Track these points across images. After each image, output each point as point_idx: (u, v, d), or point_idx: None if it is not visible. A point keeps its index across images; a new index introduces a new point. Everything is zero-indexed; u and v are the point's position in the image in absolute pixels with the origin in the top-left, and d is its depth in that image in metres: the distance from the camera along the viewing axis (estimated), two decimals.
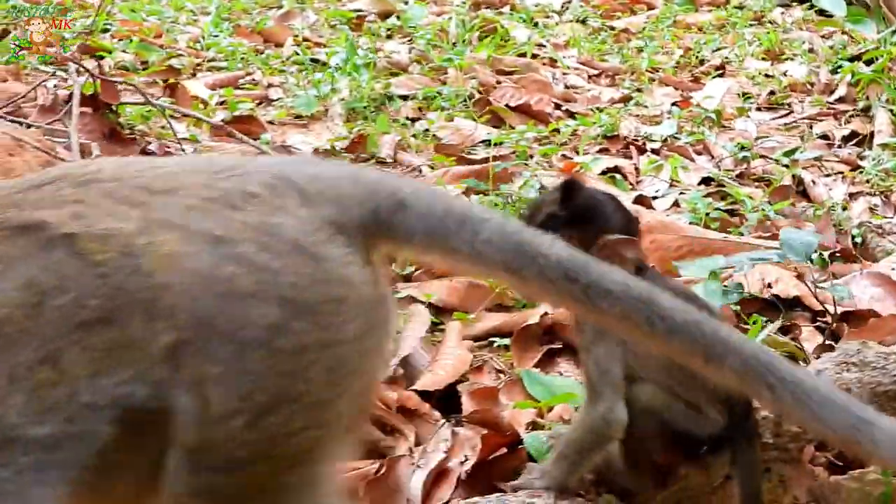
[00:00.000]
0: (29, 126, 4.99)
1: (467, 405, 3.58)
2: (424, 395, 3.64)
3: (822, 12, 9.07)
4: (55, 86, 5.92)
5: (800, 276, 4.41)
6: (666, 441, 2.87)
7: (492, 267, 2.11)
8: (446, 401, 3.65)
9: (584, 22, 8.96)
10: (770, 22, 9.02)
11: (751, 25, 8.90)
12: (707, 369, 2.08)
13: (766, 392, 2.03)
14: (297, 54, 7.49)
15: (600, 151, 6.10)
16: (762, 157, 6.12)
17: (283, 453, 1.94)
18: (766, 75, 7.65)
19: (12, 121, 4.94)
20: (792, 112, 7.05)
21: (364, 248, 2.02)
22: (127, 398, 1.86)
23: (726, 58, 8.03)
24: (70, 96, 5.64)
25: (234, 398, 1.87)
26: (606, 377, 2.80)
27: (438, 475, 3.28)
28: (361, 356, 2.03)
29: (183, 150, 5.49)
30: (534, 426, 3.44)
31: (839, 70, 7.47)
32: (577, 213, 2.86)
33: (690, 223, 4.98)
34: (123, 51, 7.15)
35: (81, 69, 5.57)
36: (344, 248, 1.97)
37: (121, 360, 1.86)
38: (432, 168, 5.65)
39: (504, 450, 3.31)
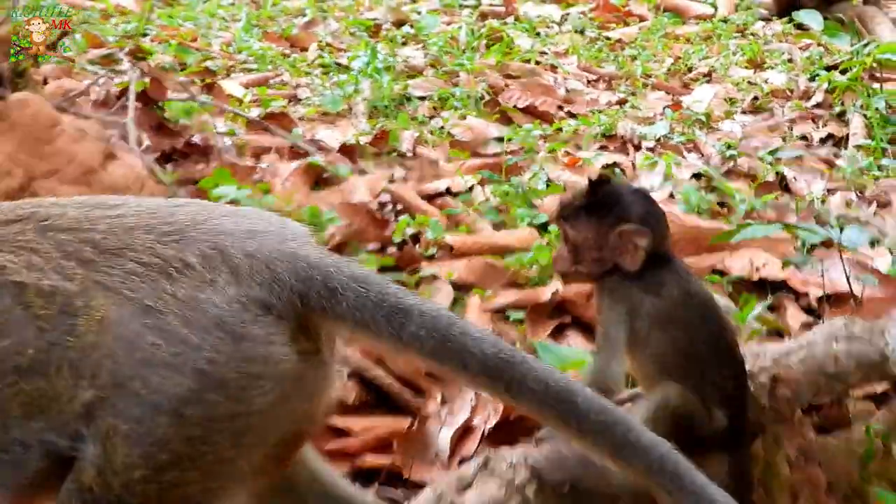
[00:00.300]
0: (87, 118, 5.02)
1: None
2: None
3: (800, 26, 9.09)
4: (104, 84, 5.97)
5: (785, 262, 4.47)
6: (679, 436, 2.91)
7: (419, 357, 2.06)
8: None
9: (581, 32, 8.99)
10: (752, 34, 9.05)
11: (735, 37, 8.94)
12: (616, 465, 2.02)
13: (665, 495, 1.99)
14: (322, 57, 7.54)
15: (600, 149, 6.15)
16: (747, 155, 6.14)
17: (174, 500, 1.93)
18: (750, 82, 7.68)
19: (74, 113, 4.97)
20: (774, 115, 7.08)
21: (295, 326, 1.98)
22: (50, 444, 1.89)
23: (713, 66, 8.06)
24: (121, 93, 5.71)
25: (136, 455, 1.86)
26: (608, 339, 2.84)
27: (464, 432, 3.34)
28: (272, 423, 2.00)
29: (223, 143, 5.55)
30: None
31: (816, 78, 7.51)
32: (597, 205, 2.89)
33: (684, 212, 5.02)
34: (163, 53, 7.20)
35: (136, 68, 5.62)
36: (268, 327, 1.94)
37: (47, 409, 1.87)
38: (448, 161, 5.69)
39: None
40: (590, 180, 2.93)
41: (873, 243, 4.77)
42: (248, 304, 1.93)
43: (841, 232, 3.99)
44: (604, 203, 2.90)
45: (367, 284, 2.01)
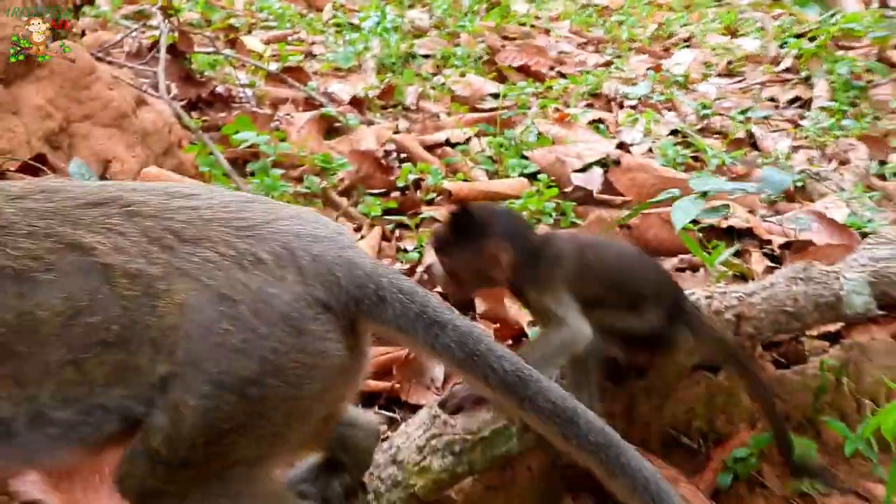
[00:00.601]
0: (120, 67, 4.99)
1: (479, 305, 3.63)
2: (444, 296, 3.69)
3: None
4: (136, 37, 5.93)
5: (751, 211, 4.46)
6: (624, 345, 2.92)
7: (447, 365, 2.12)
8: (461, 302, 3.70)
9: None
10: (729, 3, 8.99)
11: (713, 6, 8.88)
12: (605, 481, 2.03)
13: None
14: (336, 17, 7.48)
15: (587, 106, 6.12)
16: (720, 114, 6.12)
17: (229, 461, 1.98)
18: (725, 48, 7.65)
19: (109, 62, 4.94)
20: (745, 79, 7.05)
21: (346, 325, 2.00)
22: (126, 409, 1.92)
23: (692, 32, 8.02)
24: (151, 46, 5.67)
25: (201, 424, 1.90)
26: (566, 306, 2.83)
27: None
28: (319, 405, 2.05)
29: (244, 93, 5.51)
30: (533, 324, 3.49)
31: (786, 45, 7.47)
32: (461, 233, 2.81)
33: (662, 165, 5.01)
34: (191, 10, 7.14)
35: (167, 23, 5.58)
36: (325, 325, 1.96)
37: (127, 379, 1.90)
38: (449, 114, 5.66)
39: (510, 340, 3.38)
40: (450, 212, 2.86)
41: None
42: (311, 303, 1.95)
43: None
44: (466, 229, 2.85)
45: (411, 297, 2.03)
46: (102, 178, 3.93)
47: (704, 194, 3.52)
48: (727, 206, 3.72)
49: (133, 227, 1.95)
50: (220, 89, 5.44)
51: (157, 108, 4.48)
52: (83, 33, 5.62)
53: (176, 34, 5.60)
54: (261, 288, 1.91)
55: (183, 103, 5.06)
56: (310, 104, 5.53)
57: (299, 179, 4.52)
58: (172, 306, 1.88)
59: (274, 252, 1.96)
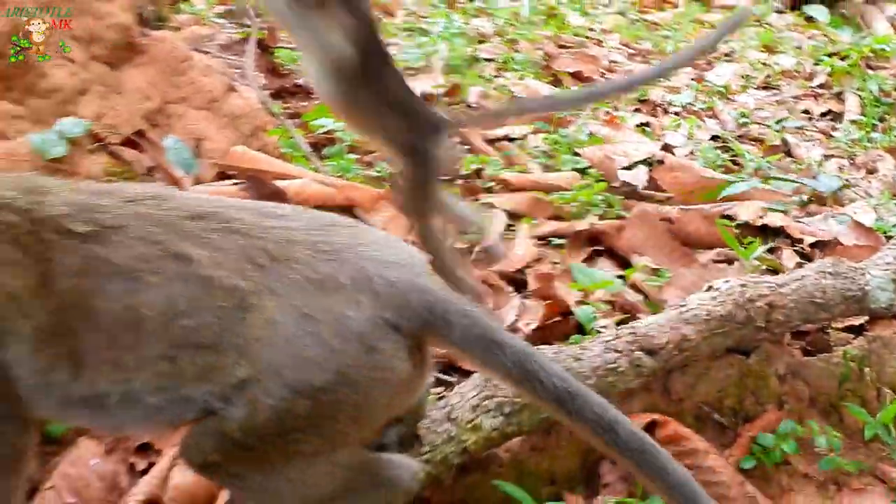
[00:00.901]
0: (213, 58, 5.01)
1: (532, 284, 3.61)
2: (501, 274, 3.68)
3: (809, 19, 8.91)
4: (227, 32, 5.96)
5: (784, 212, 4.40)
6: None
7: (502, 380, 2.21)
8: (516, 280, 3.69)
9: (623, 14, 8.83)
10: (768, 24, 8.84)
11: (753, 25, 8.74)
12: (644, 481, 2.13)
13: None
14: (408, 22, 7.46)
15: (635, 111, 6.05)
16: (757, 123, 6.04)
17: (291, 452, 2.03)
18: (763, 63, 7.51)
19: (203, 52, 4.97)
20: (781, 92, 6.93)
21: (414, 343, 2.06)
22: (207, 403, 1.99)
23: (733, 48, 7.89)
24: (240, 40, 5.69)
25: (274, 421, 1.96)
26: None
27: (510, 332, 3.32)
28: (384, 412, 2.14)
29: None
30: (580, 303, 3.47)
31: (820, 63, 7.33)
32: None
33: (703, 167, 4.95)
34: None
35: (257, 19, 5.61)
36: (395, 344, 2.01)
37: (212, 377, 1.97)
38: None
39: (559, 318, 3.36)
40: None
41: None
42: (382, 325, 2.00)
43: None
44: None
45: (474, 321, 2.08)
46: (196, 155, 3.96)
47: None
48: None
49: (230, 243, 2.01)
50: (301, 81, 5.44)
51: (245, 95, 4.50)
52: (179, 28, 5.70)
53: (265, 31, 5.61)
54: (339, 310, 1.98)
55: (269, 92, 5.08)
56: None
57: (370, 164, 4.52)
58: (261, 320, 1.95)
59: (353, 276, 2.01)
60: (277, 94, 5.19)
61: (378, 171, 4.41)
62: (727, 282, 3.11)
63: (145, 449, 2.67)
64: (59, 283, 1.95)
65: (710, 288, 3.09)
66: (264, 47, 5.50)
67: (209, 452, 2.01)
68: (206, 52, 5.11)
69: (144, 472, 2.60)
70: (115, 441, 2.66)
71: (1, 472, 2.08)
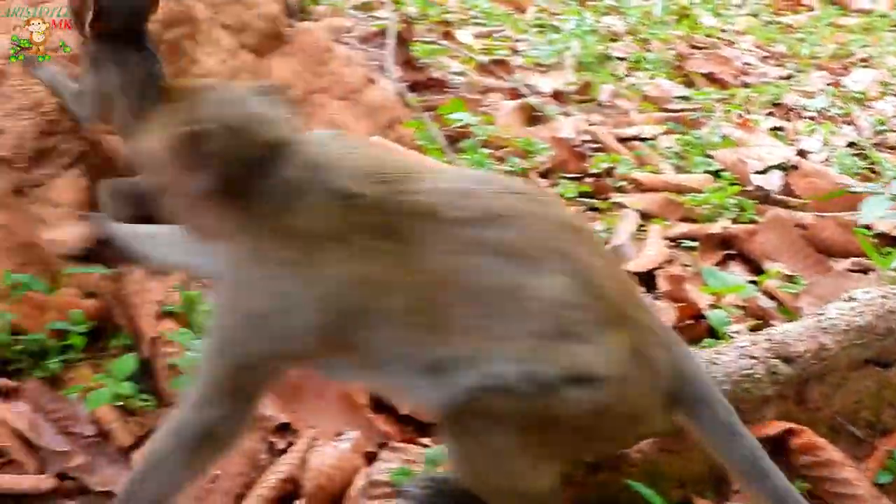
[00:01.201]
0: (353, 49, 5.09)
1: (662, 285, 3.57)
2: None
3: None
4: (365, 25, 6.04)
5: None
6: None
7: (729, 468, 2.24)
8: (646, 281, 3.65)
9: (756, 16, 8.65)
10: None
11: (891, 30, 8.46)
12: None
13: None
14: (539, 19, 7.44)
15: (768, 114, 5.92)
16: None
17: (545, 451, 2.13)
18: None
19: (343, 43, 5.05)
20: None
21: (669, 404, 2.20)
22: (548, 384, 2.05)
23: (870, 54, 7.65)
24: (376, 33, 5.77)
25: (583, 419, 2.07)
26: None
27: None
28: (622, 444, 2.43)
29: (457, 80, 5.55)
30: (712, 307, 3.41)
31: None
32: None
33: (838, 174, 4.82)
34: (411, 6, 7.21)
35: (396, 13, 5.68)
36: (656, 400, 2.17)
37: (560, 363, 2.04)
38: (639, 112, 5.57)
39: (691, 320, 3.31)
40: None
41: None
42: (657, 391, 2.15)
43: None
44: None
45: (722, 404, 2.22)
46: None
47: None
48: None
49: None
50: (436, 75, 5.48)
51: (382, 87, 4.56)
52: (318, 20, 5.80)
53: (401, 24, 5.67)
54: (653, 353, 2.14)
55: (405, 85, 5.13)
56: (513, 94, 5.52)
57: (502, 160, 4.53)
58: (615, 339, 2.06)
59: (634, 349, 2.10)
60: (413, 87, 5.24)
61: (510, 167, 4.41)
62: (867, 292, 3.02)
63: (284, 429, 2.73)
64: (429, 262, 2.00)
65: (849, 298, 3.00)
66: (401, 40, 5.55)
67: (492, 418, 2.03)
68: (346, 44, 5.18)
69: (283, 451, 2.65)
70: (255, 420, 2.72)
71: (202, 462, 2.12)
